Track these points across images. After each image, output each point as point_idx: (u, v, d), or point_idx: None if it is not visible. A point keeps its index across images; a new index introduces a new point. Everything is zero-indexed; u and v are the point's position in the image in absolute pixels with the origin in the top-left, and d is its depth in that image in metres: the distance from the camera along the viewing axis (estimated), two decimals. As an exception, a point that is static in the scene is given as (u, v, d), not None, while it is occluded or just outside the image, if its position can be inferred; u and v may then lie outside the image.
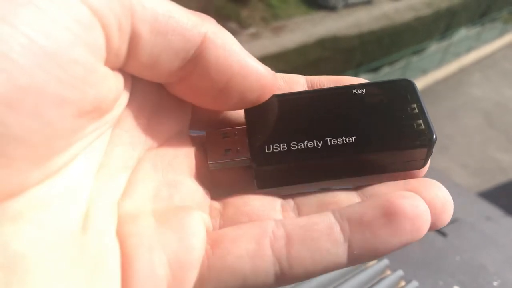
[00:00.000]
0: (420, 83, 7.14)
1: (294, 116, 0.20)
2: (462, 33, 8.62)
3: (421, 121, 0.20)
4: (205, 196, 0.20)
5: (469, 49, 8.31)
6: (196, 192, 0.19)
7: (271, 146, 0.20)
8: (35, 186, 0.13)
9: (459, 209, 2.28)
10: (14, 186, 0.12)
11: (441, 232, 1.45)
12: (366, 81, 0.22)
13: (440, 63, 7.62)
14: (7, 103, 0.11)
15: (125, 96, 0.17)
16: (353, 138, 0.19)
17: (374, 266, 0.83)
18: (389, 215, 0.17)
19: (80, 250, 0.14)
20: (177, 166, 0.19)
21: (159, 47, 0.16)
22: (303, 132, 0.20)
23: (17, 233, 0.12)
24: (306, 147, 0.19)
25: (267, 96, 0.19)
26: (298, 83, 0.22)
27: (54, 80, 0.12)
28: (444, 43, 7.95)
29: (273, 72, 0.19)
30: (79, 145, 0.15)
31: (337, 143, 0.19)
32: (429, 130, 0.20)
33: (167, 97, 0.19)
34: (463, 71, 8.01)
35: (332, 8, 7.79)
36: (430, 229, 0.18)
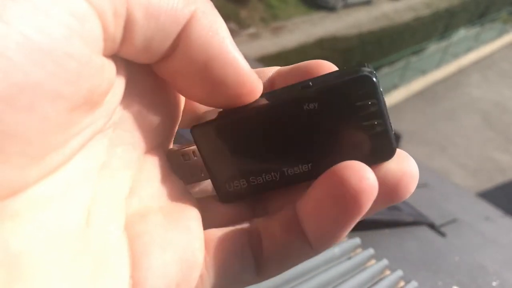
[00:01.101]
0: (419, 84, 7.15)
1: (245, 139, 0.19)
2: (461, 33, 8.64)
3: (380, 129, 0.18)
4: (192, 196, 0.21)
5: (468, 50, 8.32)
6: (188, 191, 0.20)
7: (231, 184, 0.20)
8: (34, 184, 0.13)
9: (458, 210, 2.29)
10: (12, 184, 0.12)
11: (440, 232, 1.45)
12: (334, 67, 0.20)
13: (439, 63, 7.62)
14: (2, 100, 0.11)
15: (119, 87, 0.16)
16: (309, 165, 0.19)
17: (374, 266, 0.83)
18: (336, 194, 0.16)
19: (83, 248, 0.14)
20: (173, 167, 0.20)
21: (152, 29, 0.15)
22: (258, 163, 0.19)
23: (17, 232, 0.12)
24: (265, 180, 0.20)
25: (246, 98, 0.18)
26: (265, 78, 0.21)
27: (49, 76, 0.12)
28: (443, 44, 7.96)
29: (257, 77, 0.18)
30: (76, 141, 0.15)
31: (294, 172, 0.19)
32: (388, 139, 0.18)
33: (163, 94, 0.19)
34: (462, 72, 8.03)
35: (331, 9, 7.80)
36: (388, 202, 0.17)
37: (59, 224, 0.14)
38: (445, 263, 1.18)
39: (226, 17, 6.64)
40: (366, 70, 0.18)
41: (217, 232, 0.19)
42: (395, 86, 6.65)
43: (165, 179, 0.19)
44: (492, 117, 7.24)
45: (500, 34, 9.19)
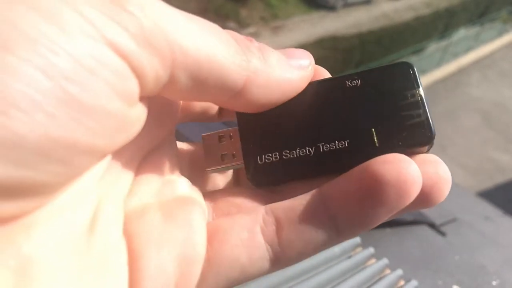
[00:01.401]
0: (419, 83, 7.12)
1: (285, 118, 0.19)
2: (461, 33, 8.63)
3: (420, 113, 0.18)
4: (198, 190, 0.20)
5: (468, 49, 8.31)
6: (191, 187, 0.20)
7: (263, 156, 0.19)
8: (54, 197, 0.14)
9: (458, 209, 2.28)
10: (39, 201, 0.13)
11: (440, 232, 1.45)
12: (327, 74, 0.21)
13: (439, 63, 7.62)
14: (39, 153, 0.12)
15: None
16: (346, 142, 0.19)
17: (374, 265, 0.83)
18: (370, 184, 0.16)
19: (88, 251, 0.14)
20: (174, 165, 0.20)
21: (195, 89, 0.16)
22: (294, 138, 0.19)
23: (28, 237, 0.13)
24: (298, 155, 0.19)
25: (300, 90, 0.19)
26: None
27: (87, 132, 0.12)
28: (443, 43, 7.96)
29: (306, 67, 0.19)
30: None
31: (330, 148, 0.19)
32: (427, 125, 0.18)
33: (162, 98, 0.19)
34: (462, 71, 8.02)
35: (331, 8, 7.79)
36: (423, 204, 0.17)
37: (68, 229, 0.14)
38: (445, 262, 1.18)
39: (226, 17, 6.65)
40: (408, 62, 0.19)
41: (223, 223, 0.18)
42: (395, 86, 6.61)
43: (167, 177, 0.19)
44: (492, 117, 7.24)
45: (500, 33, 9.19)
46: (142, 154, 0.18)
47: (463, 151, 6.35)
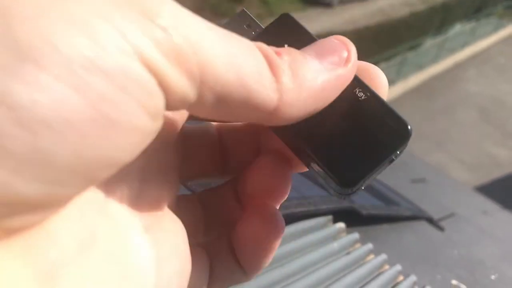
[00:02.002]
0: (416, 79, 7.15)
1: None
2: (457, 28, 8.64)
3: (365, 166, 0.18)
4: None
5: (464, 45, 8.32)
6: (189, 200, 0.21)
7: None
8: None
9: (456, 204, 2.29)
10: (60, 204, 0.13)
11: (438, 227, 1.46)
12: None
13: (436, 58, 7.63)
14: (68, 170, 0.12)
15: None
16: (307, 133, 0.19)
17: (372, 261, 0.83)
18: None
19: (110, 255, 0.14)
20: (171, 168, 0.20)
21: (223, 111, 0.15)
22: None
23: (52, 243, 0.13)
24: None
25: (345, 86, 0.19)
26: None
27: (115, 148, 0.12)
28: (440, 39, 7.97)
29: (344, 62, 0.18)
30: None
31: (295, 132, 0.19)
32: (357, 177, 0.18)
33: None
34: (458, 67, 8.04)
35: (327, 5, 7.79)
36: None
37: (88, 233, 0.14)
38: (443, 257, 1.19)
39: (222, 14, 6.62)
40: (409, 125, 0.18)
41: None
42: (392, 82, 6.65)
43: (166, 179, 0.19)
44: (489, 112, 7.26)
45: (496, 28, 9.20)
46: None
47: (460, 147, 6.37)
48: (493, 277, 1.19)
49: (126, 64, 0.12)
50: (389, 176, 2.19)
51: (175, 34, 0.13)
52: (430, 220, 1.46)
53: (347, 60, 0.18)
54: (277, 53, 0.17)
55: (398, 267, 0.85)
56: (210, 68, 0.14)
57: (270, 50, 0.16)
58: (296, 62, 0.17)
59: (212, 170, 0.22)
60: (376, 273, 0.83)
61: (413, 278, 0.85)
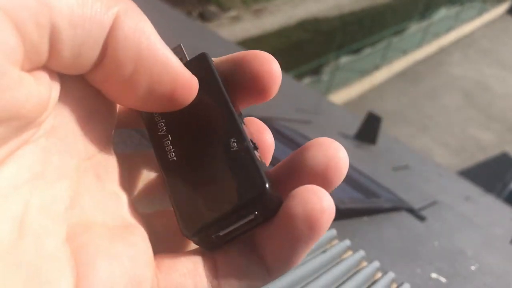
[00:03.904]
0: (401, 64, 7.18)
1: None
2: (442, 13, 8.67)
3: (216, 221, 0.17)
4: (144, 207, 0.20)
5: (448, 29, 8.37)
6: (133, 202, 0.19)
7: None
8: None
9: (439, 191, 2.30)
10: None
11: (419, 217, 1.45)
12: (270, 60, 0.20)
13: (420, 43, 7.66)
14: None
15: (53, 99, 0.16)
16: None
17: (349, 259, 0.81)
18: (285, 223, 0.17)
19: (16, 261, 0.14)
20: (115, 177, 0.19)
21: (79, 38, 0.15)
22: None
23: None
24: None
25: (181, 97, 0.18)
26: None
27: None
28: (424, 23, 7.99)
29: (190, 73, 0.18)
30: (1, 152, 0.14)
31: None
32: (204, 232, 0.18)
33: (96, 100, 0.18)
34: (443, 51, 8.08)
35: (312, -11, 7.72)
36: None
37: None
38: (424, 250, 1.18)
39: (207, 0, 6.54)
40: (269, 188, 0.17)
41: (168, 255, 0.18)
42: (376, 67, 6.67)
43: (107, 189, 0.18)
44: (473, 96, 7.33)
45: (480, 12, 9.26)
46: (80, 162, 0.18)
47: (444, 130, 6.44)
48: (473, 267, 1.18)
49: None
50: (371, 165, 2.18)
51: None
52: (411, 211, 1.45)
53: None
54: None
55: (376, 263, 0.84)
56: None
57: None
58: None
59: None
60: (353, 271, 0.81)
61: (391, 275, 0.84)
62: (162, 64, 0.17)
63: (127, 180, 0.20)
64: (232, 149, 0.18)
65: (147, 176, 0.22)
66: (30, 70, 0.15)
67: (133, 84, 0.17)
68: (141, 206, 0.21)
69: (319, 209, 0.17)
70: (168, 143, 0.19)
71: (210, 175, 0.18)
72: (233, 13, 6.62)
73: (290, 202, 0.17)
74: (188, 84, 0.18)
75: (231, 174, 0.18)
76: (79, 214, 0.17)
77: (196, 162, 0.18)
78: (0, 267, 0.13)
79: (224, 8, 6.56)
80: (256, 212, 0.17)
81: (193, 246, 0.20)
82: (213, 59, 0.21)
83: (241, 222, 0.17)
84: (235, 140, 0.18)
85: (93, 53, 0.16)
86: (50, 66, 0.16)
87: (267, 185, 0.17)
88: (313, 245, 0.18)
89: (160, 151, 0.19)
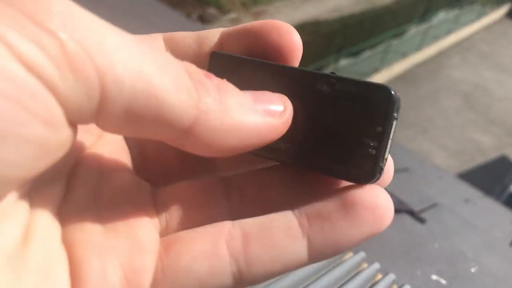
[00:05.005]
0: (400, 67, 7.18)
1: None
2: (441, 16, 8.68)
3: (376, 147, 0.16)
4: (147, 197, 0.19)
5: (448, 32, 8.37)
6: (137, 192, 0.18)
7: None
8: None
9: (439, 193, 2.30)
10: None
11: (419, 219, 1.45)
12: (291, 30, 0.19)
13: (420, 46, 7.67)
14: None
15: None
16: (287, 145, 0.18)
17: (350, 260, 0.81)
18: (348, 206, 0.16)
19: (24, 263, 0.14)
20: (114, 168, 0.18)
21: (132, 124, 0.14)
22: None
23: None
24: None
25: (270, 136, 0.17)
26: (210, 41, 0.20)
27: (3, 163, 0.11)
28: (424, 26, 8.00)
29: (278, 114, 0.17)
30: None
31: (273, 145, 0.18)
32: (374, 162, 0.16)
33: None
34: (442, 54, 8.09)
35: (312, -8, 7.73)
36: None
37: None
38: (424, 251, 1.18)
39: (207, 3, 6.55)
40: (393, 90, 0.17)
41: (185, 235, 0.17)
42: (376, 70, 6.67)
43: (104, 180, 0.18)
44: (472, 99, 7.33)
45: (479, 16, 9.27)
46: (76, 153, 0.17)
47: (444, 133, 6.44)
48: (473, 269, 1.19)
49: (3, 66, 0.11)
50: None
51: (67, 39, 0.12)
52: (411, 213, 1.45)
53: (282, 114, 0.17)
54: (207, 76, 0.15)
55: (376, 265, 0.84)
56: (112, 74, 0.12)
57: (198, 69, 0.15)
58: (227, 89, 0.15)
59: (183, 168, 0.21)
60: (353, 272, 0.81)
61: (391, 276, 0.84)
62: (254, 133, 0.16)
63: (128, 168, 0.20)
64: (327, 91, 0.17)
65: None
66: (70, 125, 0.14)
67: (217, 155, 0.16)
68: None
69: (385, 206, 0.16)
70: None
71: (330, 125, 0.17)
72: (233, 15, 6.62)
73: (359, 193, 0.16)
74: (277, 129, 0.17)
75: (351, 106, 0.17)
76: (72, 211, 0.16)
77: (308, 128, 0.18)
78: (10, 272, 0.13)
79: (224, 11, 6.57)
80: (395, 114, 0.16)
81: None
82: (221, 29, 0.20)
83: (391, 130, 0.17)
84: (322, 84, 0.18)
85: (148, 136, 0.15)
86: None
87: (389, 88, 0.16)
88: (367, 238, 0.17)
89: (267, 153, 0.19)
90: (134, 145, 0.20)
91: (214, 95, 0.15)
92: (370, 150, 0.16)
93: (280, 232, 0.17)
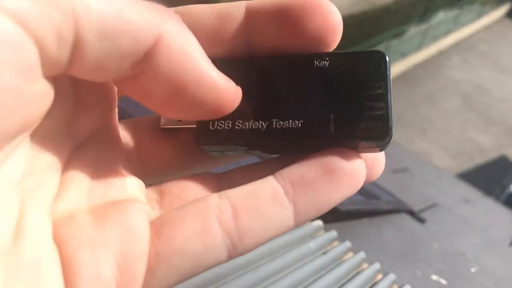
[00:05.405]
0: (400, 67, 7.18)
1: (245, 88, 0.18)
2: (441, 16, 8.68)
3: (382, 106, 0.18)
4: (140, 186, 0.19)
5: (447, 32, 8.38)
6: (130, 184, 0.18)
7: (216, 123, 0.19)
8: None
9: (438, 194, 2.30)
10: None
11: (419, 219, 1.45)
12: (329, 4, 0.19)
13: (419, 46, 7.67)
14: None
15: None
16: (300, 123, 0.18)
17: (350, 260, 0.81)
18: (330, 172, 0.17)
19: (15, 261, 0.14)
20: (107, 159, 0.18)
21: (106, 51, 0.14)
22: (250, 110, 0.19)
23: None
24: (250, 127, 0.19)
25: (224, 111, 0.18)
26: (233, 18, 0.19)
27: None
28: (423, 26, 8.00)
29: (236, 87, 0.18)
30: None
31: (282, 126, 0.18)
32: (386, 120, 0.18)
33: (85, 86, 0.17)
34: (441, 54, 8.09)
35: (311, -8, 7.73)
36: (365, 182, 0.19)
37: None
38: (424, 251, 1.18)
39: (205, 2, 6.49)
40: (383, 51, 0.18)
41: (173, 215, 0.17)
42: (376, 70, 6.65)
43: (97, 175, 0.18)
44: (472, 99, 7.33)
45: (479, 16, 9.27)
46: (70, 149, 0.17)
47: (443, 133, 6.44)
48: (473, 269, 1.18)
49: None
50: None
51: None
52: (411, 213, 1.45)
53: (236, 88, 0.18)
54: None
55: (376, 265, 0.84)
56: (83, 3, 0.13)
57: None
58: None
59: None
60: (354, 272, 0.81)
61: (391, 276, 0.84)
62: (207, 87, 0.16)
63: (122, 158, 0.20)
64: (325, 66, 0.18)
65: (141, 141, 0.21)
66: (46, 77, 0.14)
67: (175, 101, 0.16)
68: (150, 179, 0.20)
69: (362, 171, 0.18)
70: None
71: (335, 101, 0.18)
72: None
73: (338, 159, 0.18)
74: (232, 100, 0.17)
75: (350, 77, 0.18)
76: (64, 206, 0.16)
77: (315, 109, 0.18)
78: (0, 270, 0.13)
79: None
80: (389, 73, 0.18)
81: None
82: (245, 2, 0.20)
83: (391, 88, 0.18)
84: (318, 63, 0.19)
85: (121, 67, 0.15)
86: (68, 73, 0.15)
87: (381, 51, 0.18)
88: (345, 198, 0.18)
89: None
90: (129, 140, 0.20)
91: (177, 23, 0.16)
92: (379, 111, 0.18)
93: (268, 202, 0.17)
